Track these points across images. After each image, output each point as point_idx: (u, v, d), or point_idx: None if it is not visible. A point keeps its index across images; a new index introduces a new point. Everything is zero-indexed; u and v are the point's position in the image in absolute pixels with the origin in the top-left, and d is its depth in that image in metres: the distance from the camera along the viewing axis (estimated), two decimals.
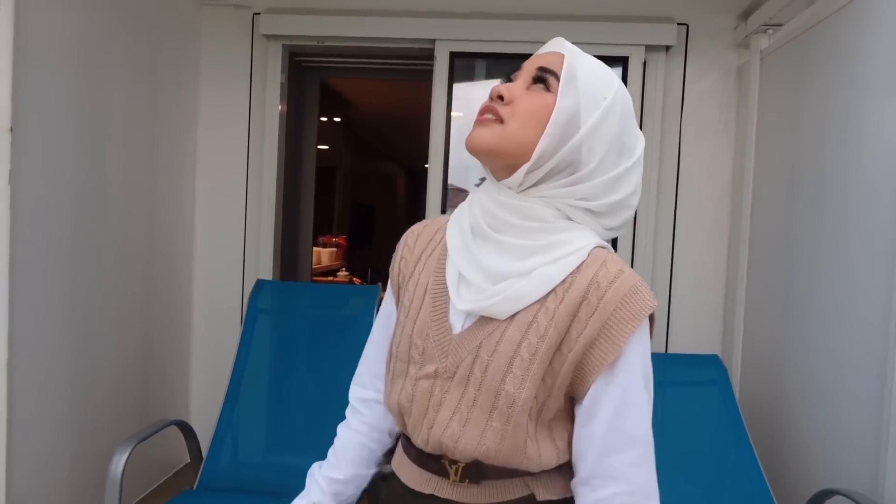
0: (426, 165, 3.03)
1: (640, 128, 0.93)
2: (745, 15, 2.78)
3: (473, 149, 0.87)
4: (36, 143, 1.94)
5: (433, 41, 2.90)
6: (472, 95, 3.06)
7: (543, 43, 0.93)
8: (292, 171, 3.28)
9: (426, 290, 0.92)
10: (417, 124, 4.10)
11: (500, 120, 0.85)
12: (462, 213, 0.93)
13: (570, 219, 0.86)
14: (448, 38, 2.89)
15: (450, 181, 2.97)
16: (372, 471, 1.06)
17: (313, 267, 4.23)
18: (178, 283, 2.98)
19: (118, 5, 2.37)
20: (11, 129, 1.77)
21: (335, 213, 6.82)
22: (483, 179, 0.93)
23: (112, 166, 2.40)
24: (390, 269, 1.02)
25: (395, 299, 1.00)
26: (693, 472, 2.06)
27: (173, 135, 2.86)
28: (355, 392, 1.07)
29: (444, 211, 2.94)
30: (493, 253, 0.86)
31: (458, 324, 0.88)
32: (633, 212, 0.90)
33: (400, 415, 0.92)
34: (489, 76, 3.11)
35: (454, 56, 2.92)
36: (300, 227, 3.49)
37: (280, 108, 3.06)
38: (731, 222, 2.86)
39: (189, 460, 2.23)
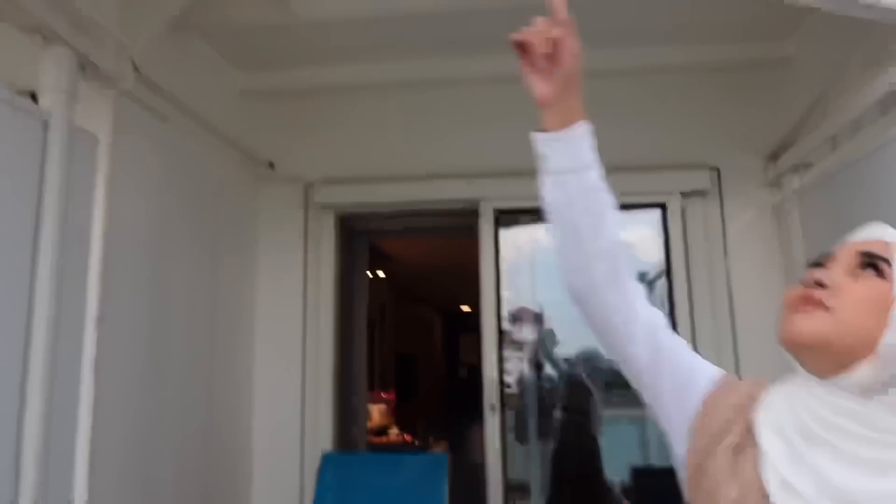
0: (462, 307, 3.08)
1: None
2: (774, 157, 2.86)
3: (797, 340, 0.76)
4: (120, 328, 2.04)
5: (478, 200, 3.03)
6: (517, 240, 3.14)
7: None
8: (344, 331, 3.33)
9: (734, 471, 0.79)
10: (455, 269, 4.15)
11: (826, 308, 0.75)
12: (777, 411, 0.80)
13: None
14: (492, 196, 3.01)
15: None
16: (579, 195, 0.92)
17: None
18: (238, 449, 2.95)
19: (183, 188, 2.56)
20: (98, 318, 1.88)
21: (376, 367, 6.79)
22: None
23: (177, 337, 2.48)
24: (705, 370, 0.91)
25: (697, 426, 0.86)
26: None
27: (233, 305, 2.96)
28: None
29: (500, 356, 2.94)
30: (835, 462, 0.73)
31: None
32: None
33: None
34: (531, 222, 3.19)
35: (499, 213, 3.03)
36: (355, 387, 3.47)
37: (332, 271, 3.17)
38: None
39: None
